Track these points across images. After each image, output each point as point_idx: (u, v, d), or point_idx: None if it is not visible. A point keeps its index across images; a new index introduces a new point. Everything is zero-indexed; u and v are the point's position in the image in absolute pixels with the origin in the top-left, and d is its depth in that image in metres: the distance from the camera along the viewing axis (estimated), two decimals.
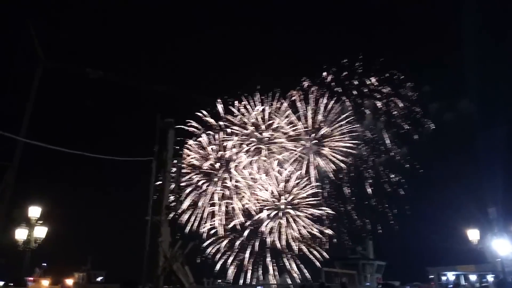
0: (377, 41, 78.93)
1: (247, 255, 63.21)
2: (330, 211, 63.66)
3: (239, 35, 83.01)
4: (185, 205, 63.54)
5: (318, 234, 63.07)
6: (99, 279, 54.22)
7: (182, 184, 61.48)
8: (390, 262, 63.65)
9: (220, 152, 66.64)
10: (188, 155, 66.15)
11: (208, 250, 63.39)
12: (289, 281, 60.47)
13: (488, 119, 62.78)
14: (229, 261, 63.39)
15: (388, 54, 68.13)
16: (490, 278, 42.26)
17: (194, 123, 67.37)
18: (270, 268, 62.89)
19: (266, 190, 64.80)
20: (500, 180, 45.17)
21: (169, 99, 61.34)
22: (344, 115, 66.75)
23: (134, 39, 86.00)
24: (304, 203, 64.51)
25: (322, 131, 66.85)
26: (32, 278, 48.39)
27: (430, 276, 52.23)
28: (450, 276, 50.06)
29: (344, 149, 65.85)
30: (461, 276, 48.75)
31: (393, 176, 65.29)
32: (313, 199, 64.45)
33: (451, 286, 46.73)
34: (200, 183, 65.96)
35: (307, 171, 65.59)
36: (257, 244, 63.43)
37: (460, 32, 64.90)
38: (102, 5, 74.02)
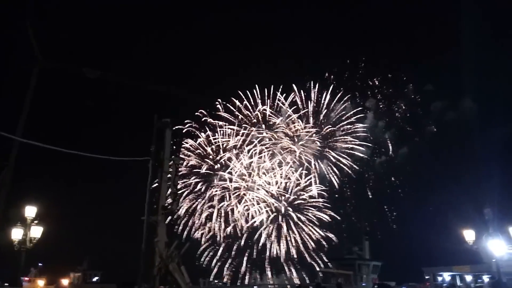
0: (378, 42, 79.04)
1: (245, 257, 63.22)
2: (332, 214, 63.55)
3: (239, 35, 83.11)
4: (183, 208, 63.34)
5: (318, 237, 63.10)
6: (94, 279, 54.10)
7: (180, 186, 61.33)
8: (386, 263, 63.75)
9: (221, 153, 66.28)
10: (189, 156, 65.83)
11: (206, 253, 63.34)
12: (286, 282, 60.50)
13: (484, 121, 63.06)
14: (227, 261, 63.41)
15: (389, 56, 68.52)
16: (485, 278, 42.43)
17: (193, 123, 67.12)
18: (268, 268, 62.90)
19: (267, 192, 64.54)
20: (496, 181, 45.36)
21: (167, 98, 61.23)
22: (345, 116, 66.75)
23: (132, 39, 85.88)
24: (306, 205, 64.46)
25: (324, 132, 66.76)
26: (27, 278, 48.28)
27: (425, 277, 52.38)
28: (446, 276, 50.23)
29: (346, 150, 65.87)
30: (457, 276, 48.93)
31: (393, 178, 65.51)
32: (314, 200, 64.41)
33: (446, 285, 46.89)
34: (198, 186, 65.73)
35: (309, 172, 65.44)
36: (255, 246, 63.41)
37: (459, 34, 65.12)
38: (100, 5, 73.90)
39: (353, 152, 65.75)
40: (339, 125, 66.93)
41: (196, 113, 67.02)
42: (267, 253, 62.94)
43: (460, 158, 61.82)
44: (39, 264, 51.89)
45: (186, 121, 66.27)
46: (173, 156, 31.18)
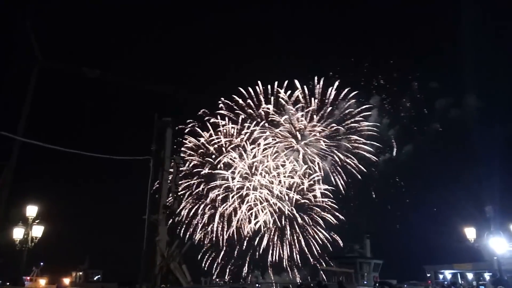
0: (380, 41, 78.67)
1: (247, 258, 63.16)
2: (337, 214, 63.24)
3: (240, 35, 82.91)
4: (185, 208, 63.10)
5: (322, 238, 63.00)
6: (96, 278, 54.24)
7: (182, 186, 61.24)
8: (387, 261, 63.81)
9: (224, 153, 65.77)
10: (191, 155, 65.41)
11: (208, 253, 63.22)
12: (287, 280, 60.48)
13: (485, 119, 62.99)
14: (229, 262, 63.30)
15: (392, 54, 68.41)
16: (486, 276, 42.43)
17: (195, 123, 66.59)
18: (270, 269, 62.90)
19: (270, 191, 64.03)
20: (497, 179, 45.26)
21: (168, 98, 60.96)
22: (350, 114, 66.14)
23: (132, 39, 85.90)
24: (310, 205, 64.23)
25: (327, 130, 66.20)
26: (29, 277, 48.40)
27: (427, 275, 52.38)
28: (447, 274, 50.24)
29: (350, 149, 65.41)
30: (458, 274, 48.93)
31: (397, 178, 65.16)
32: (318, 200, 64.12)
33: (447, 283, 46.91)
34: (201, 186, 65.26)
35: (313, 171, 64.96)
36: (257, 247, 63.25)
37: (459, 32, 64.96)
38: (100, 5, 73.85)
39: (357, 150, 65.27)
40: (343, 123, 66.28)
41: (198, 113, 66.56)
42: (270, 253, 62.86)
43: (461, 156, 61.84)
44: (41, 263, 52.05)
45: (188, 121, 65.86)
46: (174, 155, 31.31)
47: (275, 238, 63.26)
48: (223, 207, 63.70)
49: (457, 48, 66.69)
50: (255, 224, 62.90)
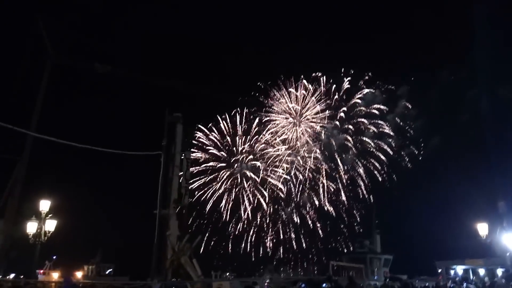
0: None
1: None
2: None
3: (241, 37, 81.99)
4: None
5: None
6: (107, 272, 54.84)
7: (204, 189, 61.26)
8: (397, 256, 63.45)
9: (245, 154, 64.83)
10: (209, 151, 64.73)
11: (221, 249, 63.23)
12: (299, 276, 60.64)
13: (498, 114, 62.02)
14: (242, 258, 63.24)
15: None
16: (499, 271, 42.09)
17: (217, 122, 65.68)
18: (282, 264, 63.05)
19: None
20: (510, 174, 44.76)
21: (179, 94, 60.59)
22: (374, 106, 64.33)
23: (143, 33, 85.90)
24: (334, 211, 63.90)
25: (352, 126, 64.74)
26: (42, 271, 49.09)
27: (438, 270, 52.10)
28: (459, 270, 49.90)
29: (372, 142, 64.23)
30: (470, 270, 48.59)
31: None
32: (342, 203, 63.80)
33: (458, 278, 46.55)
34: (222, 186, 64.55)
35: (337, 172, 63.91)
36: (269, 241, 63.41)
37: (472, 28, 63.76)
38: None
39: (379, 143, 63.43)
40: (368, 117, 64.03)
41: (226, 112, 65.18)
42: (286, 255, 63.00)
43: (472, 151, 61.01)
44: (53, 257, 52.69)
45: (201, 119, 65.14)
46: (184, 151, 31.53)
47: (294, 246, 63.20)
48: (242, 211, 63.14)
49: (472, 41, 65.44)
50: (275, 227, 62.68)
